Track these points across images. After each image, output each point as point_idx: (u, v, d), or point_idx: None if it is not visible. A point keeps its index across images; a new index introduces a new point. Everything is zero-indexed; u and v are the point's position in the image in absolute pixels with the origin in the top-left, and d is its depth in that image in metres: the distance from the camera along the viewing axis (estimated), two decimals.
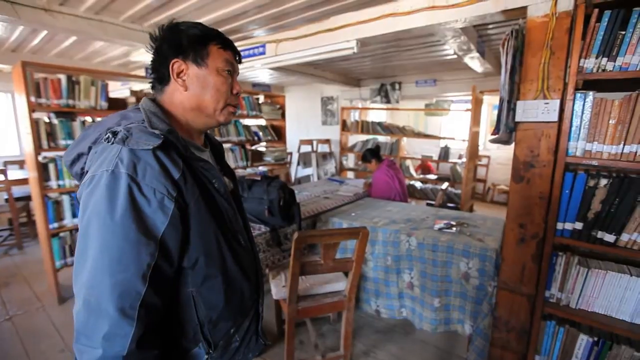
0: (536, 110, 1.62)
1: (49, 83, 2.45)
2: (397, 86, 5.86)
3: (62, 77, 2.50)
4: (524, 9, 1.73)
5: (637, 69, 1.34)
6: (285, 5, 2.64)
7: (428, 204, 4.60)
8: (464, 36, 2.74)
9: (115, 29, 2.99)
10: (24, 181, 3.62)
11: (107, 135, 0.67)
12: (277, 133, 4.53)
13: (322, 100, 6.90)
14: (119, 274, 0.62)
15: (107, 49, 4.27)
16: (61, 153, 2.62)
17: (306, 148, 6.04)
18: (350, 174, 6.13)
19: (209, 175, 0.78)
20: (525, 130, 1.68)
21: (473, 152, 4.57)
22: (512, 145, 1.80)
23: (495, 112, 5.36)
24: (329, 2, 2.57)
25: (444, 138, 5.56)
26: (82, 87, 2.59)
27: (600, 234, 1.48)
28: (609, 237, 1.46)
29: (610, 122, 1.41)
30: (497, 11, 1.93)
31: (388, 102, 6.01)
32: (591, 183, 1.47)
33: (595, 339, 1.56)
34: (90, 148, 0.74)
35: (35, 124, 2.39)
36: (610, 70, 1.40)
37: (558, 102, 1.56)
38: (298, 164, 5.82)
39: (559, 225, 1.58)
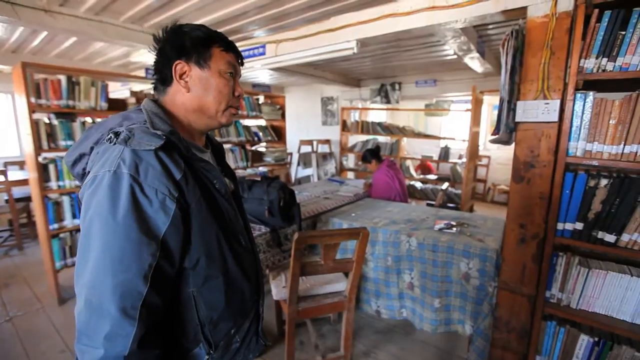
0: (536, 110, 1.62)
1: (49, 84, 2.45)
2: (397, 86, 5.86)
3: (62, 78, 2.51)
4: (524, 9, 1.73)
5: (637, 69, 1.34)
6: (285, 6, 2.65)
7: (428, 204, 4.60)
8: (464, 36, 2.74)
9: (115, 29, 3.00)
10: (24, 182, 3.62)
11: (109, 136, 0.67)
12: (277, 133, 4.53)
13: (322, 100, 6.90)
14: (121, 274, 0.62)
15: (107, 50, 4.27)
16: (61, 154, 2.63)
17: (306, 148, 6.04)
18: (350, 175, 6.13)
19: (210, 176, 0.79)
20: (526, 131, 1.68)
21: (473, 152, 4.57)
22: (512, 145, 1.80)
23: (496, 112, 5.37)
24: (329, 2, 2.58)
25: (444, 138, 5.55)
26: (82, 88, 2.59)
27: (600, 234, 1.48)
28: (610, 238, 1.46)
29: (610, 122, 1.41)
30: (497, 11, 1.93)
31: (388, 102, 6.01)
32: (591, 183, 1.47)
33: (596, 339, 1.56)
34: (92, 148, 0.74)
35: (35, 124, 2.39)
36: (610, 71, 1.40)
37: (558, 102, 1.56)
38: (298, 164, 5.82)
39: (560, 226, 1.58)
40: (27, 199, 3.76)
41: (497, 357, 1.89)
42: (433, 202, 4.36)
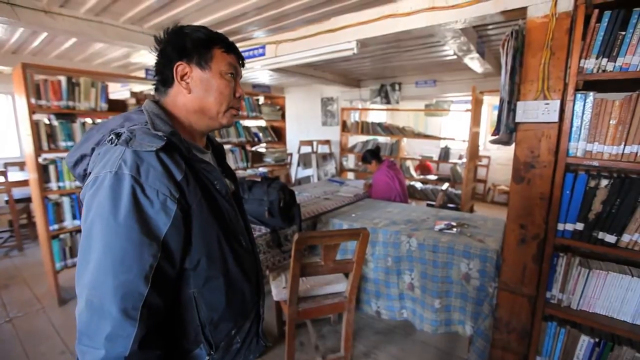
0: (536, 110, 1.62)
1: (49, 85, 2.45)
2: (397, 87, 5.86)
3: (62, 79, 2.51)
4: (523, 10, 1.73)
5: (638, 70, 1.34)
6: (285, 7, 2.65)
7: (428, 205, 4.59)
8: (463, 37, 2.74)
9: (115, 30, 3.00)
10: (24, 183, 3.62)
11: (110, 137, 0.67)
12: (277, 134, 4.53)
13: (322, 101, 6.90)
14: (122, 275, 0.62)
15: (107, 51, 4.27)
16: (61, 155, 2.63)
17: (306, 149, 6.04)
18: (350, 175, 6.13)
19: (211, 177, 0.79)
20: (526, 131, 1.68)
21: (473, 152, 4.57)
22: (513, 145, 1.80)
23: (495, 112, 5.37)
24: (329, 3, 2.58)
25: (444, 138, 5.55)
26: (82, 89, 2.60)
27: (601, 235, 1.48)
28: (610, 238, 1.46)
29: (610, 122, 1.41)
30: (496, 12, 1.93)
31: (388, 102, 6.01)
32: (592, 184, 1.47)
33: (597, 340, 1.56)
34: (93, 149, 0.75)
35: (35, 125, 2.40)
36: (610, 71, 1.40)
37: (558, 102, 1.56)
38: (298, 165, 5.82)
39: (560, 226, 1.58)
40: (27, 200, 3.76)
41: (498, 358, 1.89)
42: (433, 203, 4.36)
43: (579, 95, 1.47)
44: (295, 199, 2.32)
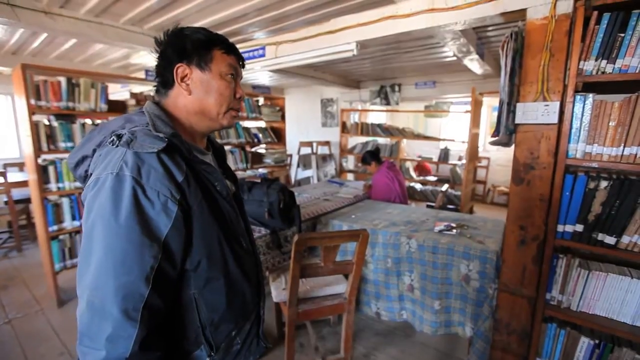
0: (536, 112, 1.63)
1: (49, 85, 2.46)
2: (396, 88, 5.87)
3: (62, 80, 2.51)
4: (523, 12, 1.73)
5: (637, 71, 1.35)
6: (285, 8, 2.65)
7: (428, 206, 4.60)
8: (463, 38, 2.75)
9: (116, 31, 3.00)
10: (24, 183, 3.62)
11: (111, 138, 0.67)
12: (277, 135, 4.53)
13: (321, 102, 6.91)
14: (123, 276, 0.62)
15: (107, 52, 4.27)
16: (61, 155, 2.62)
17: (306, 150, 6.04)
18: (350, 176, 6.13)
19: (212, 178, 0.79)
20: (525, 132, 1.69)
21: (473, 153, 4.58)
22: (512, 147, 1.80)
23: (495, 113, 5.37)
24: (329, 4, 2.58)
25: (443, 140, 5.55)
26: (82, 90, 2.60)
27: (600, 236, 1.48)
28: (610, 240, 1.46)
29: (610, 124, 1.41)
30: (496, 13, 1.94)
31: (388, 103, 6.02)
32: (591, 185, 1.47)
33: (597, 341, 1.56)
34: (94, 151, 0.75)
35: (35, 126, 2.39)
36: (609, 73, 1.41)
37: (558, 104, 1.57)
38: (298, 166, 5.83)
39: (560, 228, 1.59)
40: (27, 201, 3.75)
41: (498, 359, 1.89)
42: (433, 204, 4.37)
43: (578, 97, 1.47)
44: (295, 200, 2.32)
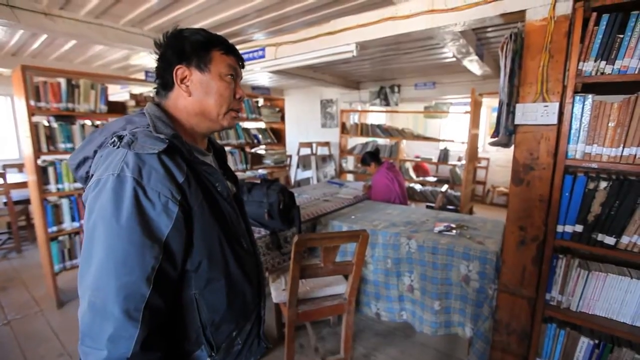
0: (535, 113, 1.63)
1: (49, 87, 2.45)
2: (396, 89, 5.88)
3: (62, 81, 2.51)
4: (522, 13, 1.74)
5: (636, 72, 1.35)
6: (285, 9, 2.66)
7: (428, 207, 4.61)
8: (462, 39, 2.76)
9: (115, 32, 3.00)
10: (23, 184, 3.61)
11: (112, 140, 0.68)
12: (277, 136, 4.53)
13: (321, 103, 6.91)
14: (124, 277, 0.62)
15: (106, 53, 4.28)
16: (60, 156, 2.62)
17: (306, 151, 6.05)
18: (349, 177, 6.13)
19: (212, 179, 0.79)
20: (525, 133, 1.69)
21: (472, 154, 4.58)
22: (512, 147, 1.81)
23: (494, 114, 5.38)
24: (329, 5, 2.59)
25: (443, 140, 5.55)
26: (81, 91, 2.60)
27: (600, 237, 1.48)
28: (609, 240, 1.46)
29: (609, 124, 1.42)
30: (495, 15, 1.94)
31: (387, 104, 6.03)
32: (591, 186, 1.47)
33: (596, 341, 1.56)
34: (95, 152, 0.75)
35: (34, 127, 2.39)
36: (609, 74, 1.41)
37: (557, 105, 1.57)
38: (298, 166, 5.83)
39: (559, 228, 1.59)
40: (26, 202, 3.75)
41: None
42: (432, 205, 4.37)
43: (577, 98, 1.48)
44: (295, 201, 2.32)
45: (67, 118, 2.64)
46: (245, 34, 3.32)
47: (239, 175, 3.87)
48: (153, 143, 0.67)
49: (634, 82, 1.38)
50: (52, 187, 2.53)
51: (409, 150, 7.11)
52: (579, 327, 1.63)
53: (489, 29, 3.06)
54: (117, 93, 5.29)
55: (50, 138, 2.50)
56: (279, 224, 2.21)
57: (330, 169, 6.11)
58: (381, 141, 5.87)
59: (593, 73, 1.44)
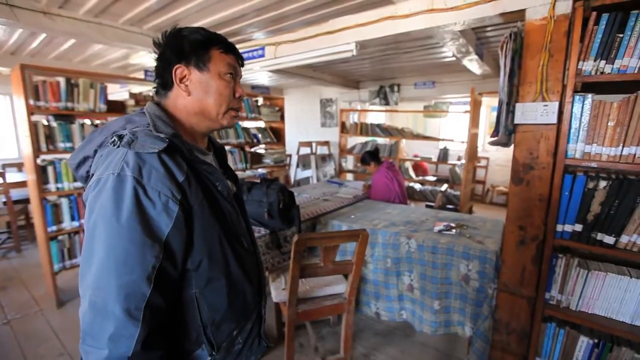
0: (535, 112, 1.63)
1: (48, 86, 2.45)
2: (395, 88, 5.88)
3: (61, 80, 2.50)
4: (522, 12, 1.74)
5: (635, 71, 1.35)
6: (284, 8, 2.65)
7: (427, 206, 4.61)
8: (462, 39, 2.76)
9: (115, 31, 3.00)
10: (23, 184, 3.61)
11: (113, 139, 0.68)
12: (276, 135, 4.53)
13: (321, 102, 6.91)
14: (125, 276, 0.62)
15: (106, 52, 4.27)
16: (60, 156, 2.62)
17: (305, 150, 6.05)
18: (349, 176, 6.13)
19: (213, 179, 0.79)
20: (525, 133, 1.69)
21: (472, 153, 4.58)
22: (511, 147, 1.81)
23: (494, 113, 5.38)
24: (328, 5, 2.58)
25: (443, 140, 5.55)
26: (81, 90, 2.59)
27: (599, 236, 1.49)
28: (609, 239, 1.46)
29: (609, 124, 1.42)
30: (495, 14, 1.94)
31: (387, 104, 6.03)
32: (590, 185, 1.48)
33: (596, 340, 1.56)
34: (96, 151, 0.75)
35: (33, 126, 2.39)
36: (608, 73, 1.41)
37: (557, 104, 1.57)
38: (297, 166, 5.83)
39: (559, 227, 1.59)
40: (26, 201, 3.74)
41: (497, 359, 1.89)
42: (432, 204, 4.37)
43: (577, 97, 1.48)
44: (295, 200, 2.32)
45: (66, 117, 2.64)
46: (245, 33, 3.32)
47: (239, 174, 3.86)
48: (153, 142, 0.67)
49: (633, 81, 1.38)
50: (52, 186, 2.53)
51: (409, 149, 7.11)
52: (579, 327, 1.63)
53: (489, 28, 3.06)
54: (117, 92, 5.28)
55: (50, 137, 2.50)
56: (278, 223, 2.21)
57: (329, 169, 6.11)
58: (381, 140, 5.87)
59: (593, 72, 1.44)
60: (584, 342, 1.59)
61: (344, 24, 2.71)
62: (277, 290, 1.90)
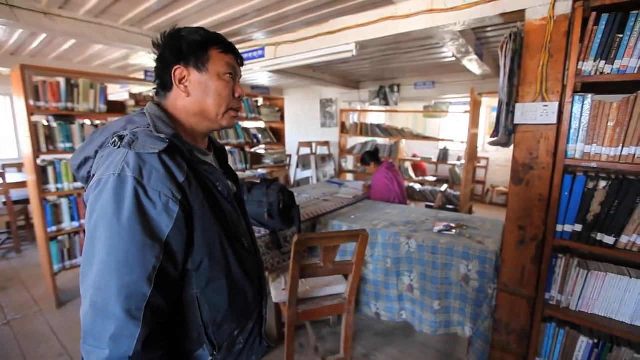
0: (535, 112, 1.63)
1: (48, 86, 2.45)
2: (395, 88, 5.88)
3: (61, 80, 2.50)
4: (522, 12, 1.74)
5: (635, 72, 1.36)
6: (284, 9, 2.65)
7: (427, 206, 4.61)
8: (462, 39, 2.76)
9: (115, 32, 3.00)
10: (23, 184, 3.61)
11: (113, 140, 0.68)
12: (276, 135, 4.53)
13: (321, 102, 6.91)
14: (126, 276, 0.63)
15: (106, 52, 4.27)
16: (60, 156, 2.62)
17: (305, 150, 6.05)
18: (349, 176, 6.13)
19: (213, 179, 0.79)
20: (524, 133, 1.69)
21: (472, 153, 4.58)
22: (511, 147, 1.81)
23: (494, 114, 5.38)
24: (328, 5, 2.58)
25: (442, 140, 5.55)
26: (81, 90, 2.59)
27: (599, 236, 1.49)
28: (609, 239, 1.46)
29: (608, 124, 1.42)
30: (495, 14, 1.94)
31: (387, 104, 6.03)
32: (590, 185, 1.48)
33: (596, 341, 1.56)
34: (96, 152, 0.75)
35: (33, 127, 2.39)
36: (608, 73, 1.41)
37: (557, 104, 1.57)
38: (297, 166, 5.83)
39: (559, 227, 1.59)
40: (26, 202, 3.74)
41: (497, 359, 1.89)
42: (432, 204, 4.37)
43: (577, 97, 1.48)
44: (295, 201, 2.32)
45: (66, 118, 2.64)
46: (245, 34, 3.32)
47: (239, 174, 3.85)
48: (154, 143, 0.67)
49: (633, 81, 1.38)
50: (52, 186, 2.53)
51: (409, 149, 7.11)
52: (579, 327, 1.63)
53: (489, 29, 3.06)
54: (117, 92, 5.29)
55: (50, 138, 2.50)
56: (278, 224, 2.21)
57: (329, 169, 6.12)
58: (381, 141, 5.86)
59: (592, 73, 1.44)
60: (583, 342, 1.59)
61: (344, 24, 2.71)
62: (277, 291, 1.90)
